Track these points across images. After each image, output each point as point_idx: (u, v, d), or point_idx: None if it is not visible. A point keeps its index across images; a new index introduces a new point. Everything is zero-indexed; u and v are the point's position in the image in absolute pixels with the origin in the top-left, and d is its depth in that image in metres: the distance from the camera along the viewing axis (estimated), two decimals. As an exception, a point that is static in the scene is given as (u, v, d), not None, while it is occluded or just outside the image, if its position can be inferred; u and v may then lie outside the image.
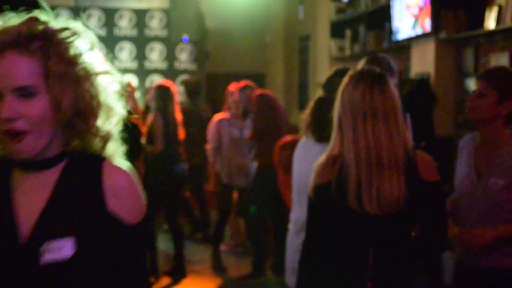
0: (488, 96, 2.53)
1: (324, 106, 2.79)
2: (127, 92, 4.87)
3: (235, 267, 6.03)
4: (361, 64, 3.51)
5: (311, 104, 2.91)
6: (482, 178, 2.55)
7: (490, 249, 2.48)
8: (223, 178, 5.99)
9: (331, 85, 2.80)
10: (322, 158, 2.17)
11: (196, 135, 6.79)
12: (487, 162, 2.56)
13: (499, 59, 5.33)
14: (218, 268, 5.95)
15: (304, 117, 2.92)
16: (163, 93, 5.71)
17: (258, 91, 5.67)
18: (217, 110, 7.91)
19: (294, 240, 2.92)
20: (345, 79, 2.18)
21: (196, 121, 6.88)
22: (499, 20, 5.13)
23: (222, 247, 6.69)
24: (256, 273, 5.54)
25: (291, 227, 3.03)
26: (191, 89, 7.14)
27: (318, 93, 2.90)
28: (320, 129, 2.78)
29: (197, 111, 7.09)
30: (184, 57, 9.36)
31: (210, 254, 6.10)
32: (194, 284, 5.60)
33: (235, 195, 6.21)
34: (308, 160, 2.71)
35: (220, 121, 5.99)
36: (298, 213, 2.92)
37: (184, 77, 9.22)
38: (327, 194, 2.08)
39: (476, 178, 2.58)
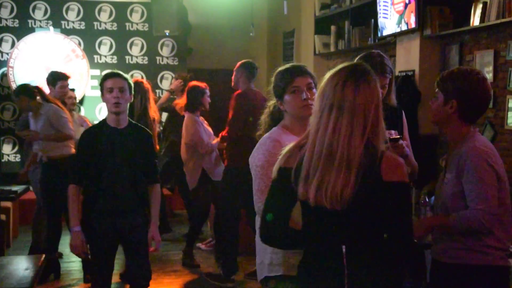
0: (438, 98, 2.74)
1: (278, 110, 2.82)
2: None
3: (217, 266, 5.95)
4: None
5: (269, 107, 2.91)
6: (445, 175, 2.75)
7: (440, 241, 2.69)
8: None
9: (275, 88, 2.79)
10: (291, 144, 2.20)
11: None
12: (449, 160, 2.75)
13: (483, 56, 5.27)
14: (190, 265, 5.94)
15: (262, 120, 2.93)
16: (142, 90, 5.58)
17: (239, 91, 5.54)
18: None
19: None
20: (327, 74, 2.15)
21: None
22: (483, 17, 5.07)
23: (203, 247, 6.61)
24: (228, 274, 5.42)
25: None
26: None
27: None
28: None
29: None
30: (166, 53, 9.20)
31: (185, 251, 6.08)
32: (174, 284, 5.49)
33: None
34: None
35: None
36: None
37: (165, 73, 9.09)
38: (289, 179, 2.12)
39: (443, 174, 2.77)
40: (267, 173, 2.59)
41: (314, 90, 2.72)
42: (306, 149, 2.10)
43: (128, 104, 3.82)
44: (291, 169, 2.12)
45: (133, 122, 3.92)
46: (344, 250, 2.05)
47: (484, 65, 5.23)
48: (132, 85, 3.84)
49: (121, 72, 3.82)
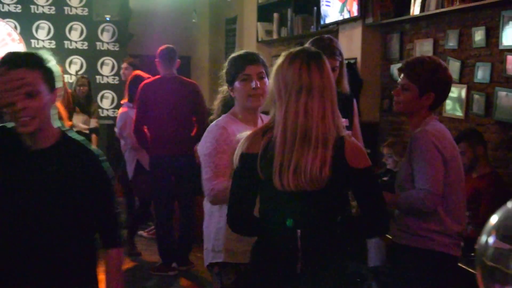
0: (410, 90, 2.72)
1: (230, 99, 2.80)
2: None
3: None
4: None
5: (222, 92, 2.90)
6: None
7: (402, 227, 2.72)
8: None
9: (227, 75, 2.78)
10: (254, 129, 2.16)
11: None
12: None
13: (423, 45, 5.40)
14: (131, 253, 5.85)
15: (215, 105, 2.92)
16: None
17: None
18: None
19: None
20: (280, 59, 2.12)
21: None
22: (423, 6, 5.19)
23: (145, 234, 6.54)
24: (167, 262, 5.41)
25: None
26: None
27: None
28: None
29: None
30: (106, 38, 8.99)
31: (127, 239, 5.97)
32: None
33: None
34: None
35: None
36: None
37: (106, 58, 8.90)
38: (253, 165, 2.07)
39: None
40: (215, 160, 2.58)
41: (265, 79, 2.70)
42: (272, 135, 2.06)
43: (56, 106, 2.12)
44: (254, 154, 2.07)
45: (69, 136, 2.15)
46: (299, 234, 2.05)
47: (424, 53, 5.34)
48: (56, 71, 2.07)
49: (26, 55, 2.06)
